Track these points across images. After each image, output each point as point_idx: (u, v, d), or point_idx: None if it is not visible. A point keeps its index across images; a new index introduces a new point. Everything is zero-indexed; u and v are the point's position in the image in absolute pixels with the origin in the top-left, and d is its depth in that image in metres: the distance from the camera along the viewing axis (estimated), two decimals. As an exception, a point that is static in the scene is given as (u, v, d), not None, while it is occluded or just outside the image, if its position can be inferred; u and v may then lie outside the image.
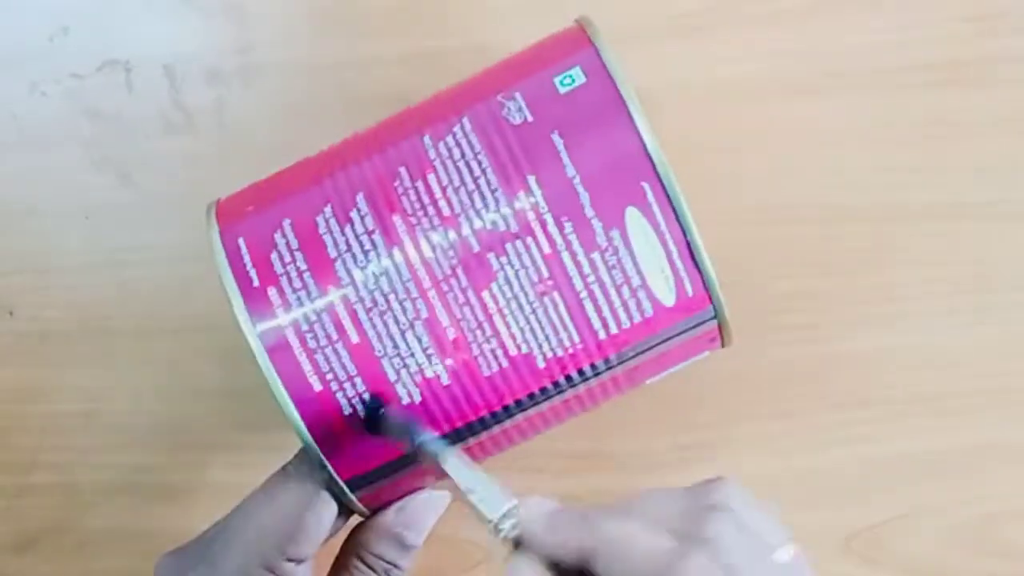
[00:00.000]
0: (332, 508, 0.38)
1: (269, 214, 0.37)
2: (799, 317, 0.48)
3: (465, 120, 0.36)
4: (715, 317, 0.37)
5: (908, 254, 0.48)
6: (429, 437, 0.34)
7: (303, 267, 0.36)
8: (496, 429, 0.37)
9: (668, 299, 0.36)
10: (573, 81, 0.36)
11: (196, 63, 0.50)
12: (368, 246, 0.36)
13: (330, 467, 0.36)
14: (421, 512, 0.40)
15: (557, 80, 0.36)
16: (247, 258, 0.37)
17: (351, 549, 0.40)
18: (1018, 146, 0.48)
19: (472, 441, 0.37)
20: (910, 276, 0.48)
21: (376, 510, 0.39)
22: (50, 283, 0.51)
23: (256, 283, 0.36)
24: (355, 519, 0.40)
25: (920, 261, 0.48)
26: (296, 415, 0.36)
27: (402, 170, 0.36)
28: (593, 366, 0.37)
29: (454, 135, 0.36)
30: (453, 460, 0.33)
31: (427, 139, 0.37)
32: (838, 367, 0.48)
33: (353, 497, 0.38)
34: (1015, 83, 0.48)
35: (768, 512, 0.33)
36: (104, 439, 0.51)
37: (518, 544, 0.32)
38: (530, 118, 0.36)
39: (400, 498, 0.39)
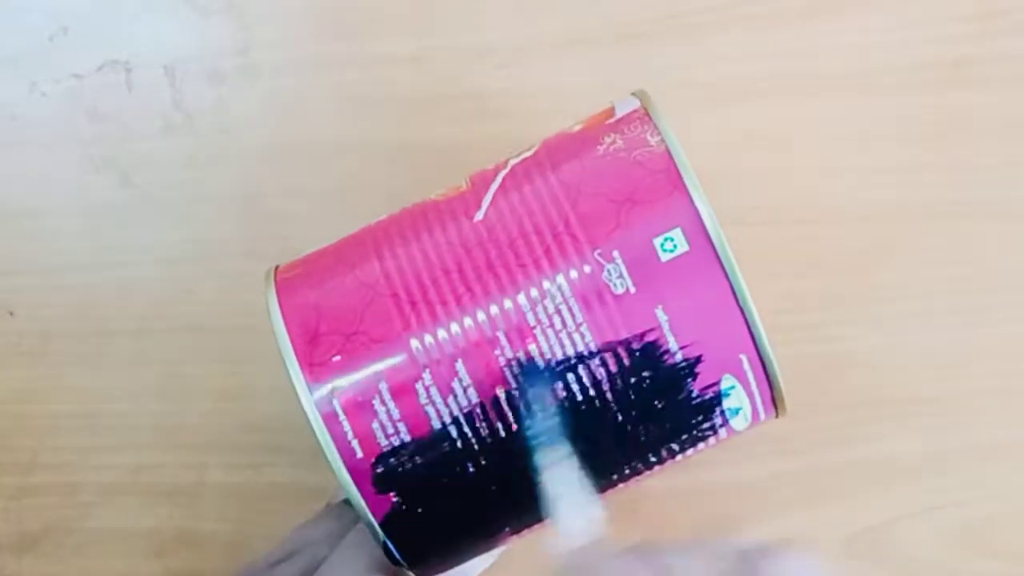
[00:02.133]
0: None
1: (363, 374, 0.36)
2: (799, 317, 0.48)
3: (560, 280, 0.35)
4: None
5: (908, 254, 0.48)
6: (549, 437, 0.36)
7: (407, 439, 0.35)
8: None
9: (741, 427, 0.37)
10: (675, 248, 0.35)
11: (196, 63, 0.50)
12: (475, 421, 0.35)
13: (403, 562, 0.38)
14: (468, 570, 0.41)
15: (657, 243, 0.35)
16: (347, 426, 0.35)
17: None
18: (1018, 146, 0.48)
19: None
20: (910, 276, 0.48)
21: None
22: (50, 283, 0.51)
23: (359, 455, 0.35)
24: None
25: (920, 261, 0.48)
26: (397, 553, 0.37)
27: (501, 336, 0.35)
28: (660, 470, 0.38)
29: (552, 299, 0.35)
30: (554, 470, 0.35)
31: (522, 299, 0.35)
32: (839, 367, 0.48)
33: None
34: (1016, 83, 0.48)
35: None
36: (104, 439, 0.51)
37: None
38: (632, 289, 0.35)
39: None
